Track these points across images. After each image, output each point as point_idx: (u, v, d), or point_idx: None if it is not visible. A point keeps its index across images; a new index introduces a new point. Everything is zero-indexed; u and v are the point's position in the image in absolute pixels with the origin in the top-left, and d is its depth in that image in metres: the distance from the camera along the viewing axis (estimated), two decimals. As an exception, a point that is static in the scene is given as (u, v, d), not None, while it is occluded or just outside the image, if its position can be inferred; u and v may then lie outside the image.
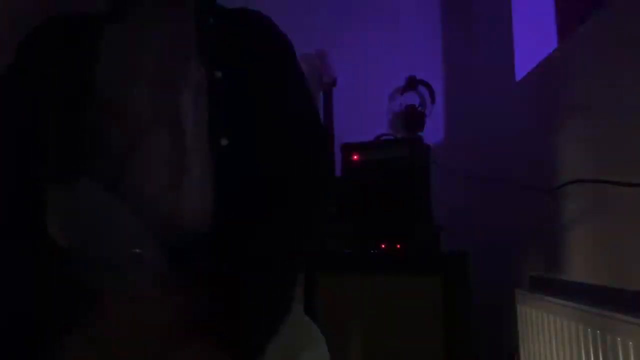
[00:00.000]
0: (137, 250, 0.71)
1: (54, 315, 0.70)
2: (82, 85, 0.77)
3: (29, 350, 0.70)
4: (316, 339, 0.82)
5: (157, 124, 0.77)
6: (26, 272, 0.73)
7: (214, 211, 0.76)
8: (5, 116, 0.82)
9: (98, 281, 0.68)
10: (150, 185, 0.74)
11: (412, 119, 1.94)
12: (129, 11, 0.84)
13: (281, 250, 0.78)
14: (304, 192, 0.84)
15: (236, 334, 0.68)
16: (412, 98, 2.01)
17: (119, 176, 0.74)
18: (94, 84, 0.77)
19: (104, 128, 0.76)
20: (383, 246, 1.58)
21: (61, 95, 0.78)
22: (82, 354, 0.67)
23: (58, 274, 0.70)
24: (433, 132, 1.96)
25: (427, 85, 1.99)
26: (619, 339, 0.92)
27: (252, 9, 0.95)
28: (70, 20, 0.86)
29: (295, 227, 0.81)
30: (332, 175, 0.95)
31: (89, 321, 0.67)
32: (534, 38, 1.69)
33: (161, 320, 0.70)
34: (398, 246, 1.56)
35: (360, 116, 1.98)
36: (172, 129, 0.77)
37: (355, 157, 1.67)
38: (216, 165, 0.77)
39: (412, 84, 2.00)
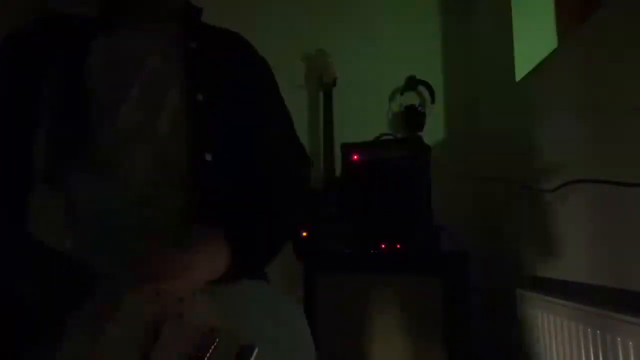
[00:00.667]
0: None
1: (54, 299, 0.71)
2: (70, 91, 0.79)
3: (30, 335, 0.72)
4: (300, 315, 0.83)
5: (139, 135, 0.81)
6: (26, 259, 0.75)
7: (196, 219, 0.80)
8: None
9: (97, 270, 0.70)
10: (135, 188, 0.78)
11: (412, 119, 1.94)
12: (118, 21, 0.88)
13: (261, 254, 0.85)
14: (282, 203, 0.91)
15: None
16: (412, 98, 2.01)
17: (106, 177, 0.77)
18: (83, 89, 0.80)
19: (95, 127, 0.79)
20: (383, 246, 1.58)
21: (51, 100, 0.79)
22: (84, 337, 0.68)
23: (59, 262, 0.71)
24: (433, 132, 1.96)
25: (427, 85, 1.99)
26: (619, 339, 0.92)
27: (234, 32, 0.99)
28: (62, 19, 0.87)
29: (275, 233, 0.88)
30: (309, 190, 1.05)
31: (89, 305, 0.68)
32: (534, 38, 1.69)
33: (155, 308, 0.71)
34: (398, 246, 1.56)
35: (360, 116, 1.98)
36: (152, 145, 0.81)
37: (355, 157, 1.67)
38: (199, 179, 0.83)
39: (412, 84, 2.00)
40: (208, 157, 0.84)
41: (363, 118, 1.98)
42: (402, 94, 2.01)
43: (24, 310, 0.74)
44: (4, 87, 0.84)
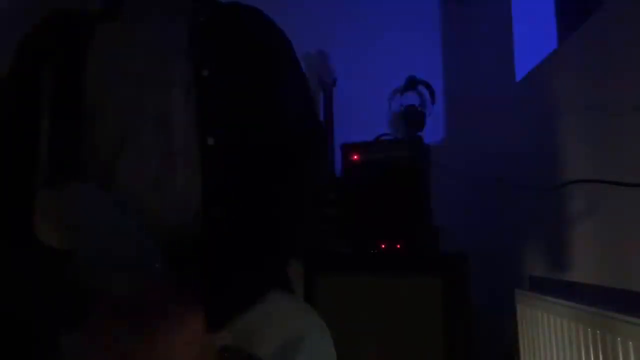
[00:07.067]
0: (157, 265, 0.70)
1: (53, 314, 0.70)
2: (72, 88, 0.77)
3: (27, 350, 0.71)
4: (319, 326, 0.81)
5: (145, 123, 0.76)
6: (25, 272, 0.74)
7: (199, 211, 0.75)
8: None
9: (96, 281, 0.69)
10: (138, 185, 0.74)
11: (412, 119, 1.94)
12: (123, 9, 0.84)
13: (267, 251, 0.75)
14: (294, 194, 0.81)
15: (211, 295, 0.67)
16: (412, 98, 2.01)
17: (109, 177, 0.74)
18: (84, 86, 0.77)
19: (94, 130, 0.76)
20: (383, 246, 1.58)
21: (52, 99, 0.78)
22: (81, 353, 0.67)
23: (57, 274, 0.70)
24: (433, 132, 1.96)
25: (427, 85, 1.99)
26: (619, 339, 0.92)
27: (248, 5, 0.93)
28: (65, 19, 0.85)
29: (283, 229, 0.78)
30: (326, 179, 0.91)
31: (88, 320, 0.67)
32: (534, 38, 1.69)
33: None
34: (398, 246, 1.56)
35: (360, 116, 1.98)
36: (160, 128, 0.76)
37: (355, 157, 1.67)
38: (202, 165, 0.75)
39: (412, 84, 2.00)
40: (210, 142, 0.75)
41: (363, 118, 1.98)
42: (402, 94, 2.01)
43: (19, 327, 0.72)
44: (6, 95, 0.83)
